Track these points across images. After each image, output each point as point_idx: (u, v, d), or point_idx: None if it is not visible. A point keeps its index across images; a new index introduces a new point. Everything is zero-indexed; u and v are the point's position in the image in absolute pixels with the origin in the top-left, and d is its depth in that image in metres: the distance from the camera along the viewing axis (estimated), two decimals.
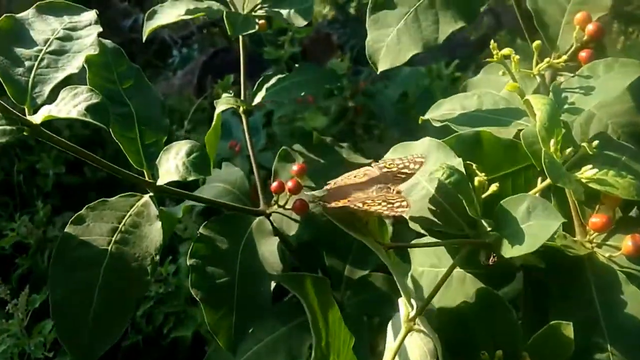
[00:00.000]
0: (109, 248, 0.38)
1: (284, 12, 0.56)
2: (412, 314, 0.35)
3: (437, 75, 1.51)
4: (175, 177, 0.42)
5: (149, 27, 0.55)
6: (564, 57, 0.45)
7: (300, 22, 0.55)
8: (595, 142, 0.37)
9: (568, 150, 0.37)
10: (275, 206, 0.51)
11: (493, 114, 0.44)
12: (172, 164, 0.43)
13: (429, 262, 0.43)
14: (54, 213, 1.39)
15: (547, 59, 0.44)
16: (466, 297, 0.40)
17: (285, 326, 0.52)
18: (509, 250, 0.32)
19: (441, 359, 0.32)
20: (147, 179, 0.45)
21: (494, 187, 0.36)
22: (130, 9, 2.54)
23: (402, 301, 0.37)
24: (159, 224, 0.41)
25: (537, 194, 0.39)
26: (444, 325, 0.33)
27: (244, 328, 0.41)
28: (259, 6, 0.59)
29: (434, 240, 0.36)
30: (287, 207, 0.50)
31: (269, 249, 0.47)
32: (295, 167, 0.51)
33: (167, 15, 0.56)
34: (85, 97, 0.37)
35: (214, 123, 0.57)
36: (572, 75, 0.45)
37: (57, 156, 1.47)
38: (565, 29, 0.48)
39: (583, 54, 0.46)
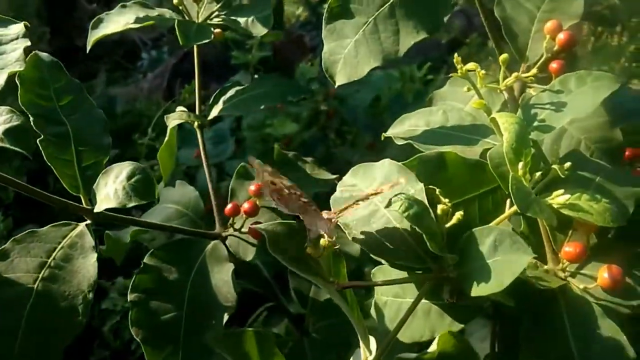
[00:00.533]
0: (35, 286, 0.34)
1: (242, 20, 0.53)
2: (370, 359, 0.31)
3: (410, 78, 1.49)
4: (113, 204, 0.39)
5: (93, 37, 0.51)
6: (534, 70, 0.43)
7: (260, 30, 0.52)
8: (568, 164, 0.35)
9: (537, 173, 0.34)
10: (232, 229, 0.47)
11: (458, 132, 0.41)
12: (110, 188, 0.39)
13: (392, 292, 0.40)
14: (15, 226, 1.32)
15: (515, 74, 0.41)
16: (431, 330, 0.37)
17: None
18: (475, 289, 0.29)
19: None
20: (84, 205, 0.41)
21: (458, 216, 0.33)
22: (99, 11, 2.47)
23: (361, 344, 0.34)
24: (93, 256, 0.37)
25: (506, 219, 0.37)
26: None
27: None
28: (215, 14, 0.55)
29: (394, 276, 0.33)
30: (243, 230, 0.47)
31: (222, 278, 0.43)
32: (252, 187, 0.48)
33: (114, 24, 0.52)
34: (5, 119, 0.33)
35: (166, 139, 0.54)
36: (542, 89, 0.43)
37: (19, 166, 1.42)
38: (535, 38, 0.45)
39: (554, 65, 0.43)
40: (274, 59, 1.54)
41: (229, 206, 0.46)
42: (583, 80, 0.39)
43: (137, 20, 0.52)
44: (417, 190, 0.34)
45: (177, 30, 0.50)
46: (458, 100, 0.48)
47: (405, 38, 0.38)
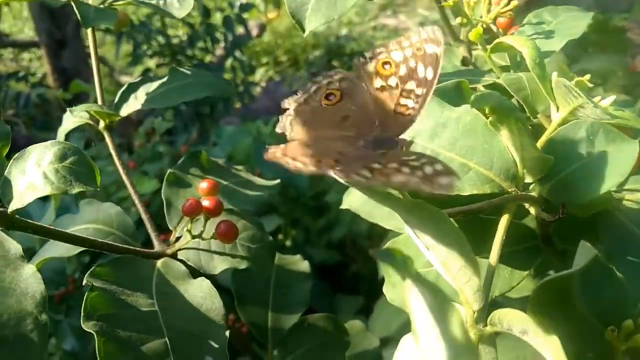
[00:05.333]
0: None
1: (154, 1, 0.44)
2: (477, 313, 0.24)
3: (258, 132, 1.47)
4: (45, 192, 0.26)
5: None
6: (492, 14, 0.41)
7: (181, 11, 0.44)
8: (588, 76, 0.33)
9: (572, 82, 0.32)
10: (185, 241, 0.36)
11: (452, 76, 0.37)
12: (34, 175, 0.27)
13: (423, 260, 0.33)
14: None
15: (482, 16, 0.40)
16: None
17: None
18: (587, 192, 0.25)
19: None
20: None
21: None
22: None
23: (447, 308, 0.26)
24: (30, 267, 0.24)
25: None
26: (546, 303, 0.23)
27: None
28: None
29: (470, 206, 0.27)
30: (205, 236, 0.36)
31: (200, 294, 0.32)
32: (204, 185, 0.38)
33: None
34: None
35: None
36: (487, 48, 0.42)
37: None
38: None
39: (501, 20, 0.43)
40: None
41: (189, 203, 0.35)
42: (556, 13, 0.39)
43: None
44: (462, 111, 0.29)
45: (75, 9, 0.40)
46: None
47: None
